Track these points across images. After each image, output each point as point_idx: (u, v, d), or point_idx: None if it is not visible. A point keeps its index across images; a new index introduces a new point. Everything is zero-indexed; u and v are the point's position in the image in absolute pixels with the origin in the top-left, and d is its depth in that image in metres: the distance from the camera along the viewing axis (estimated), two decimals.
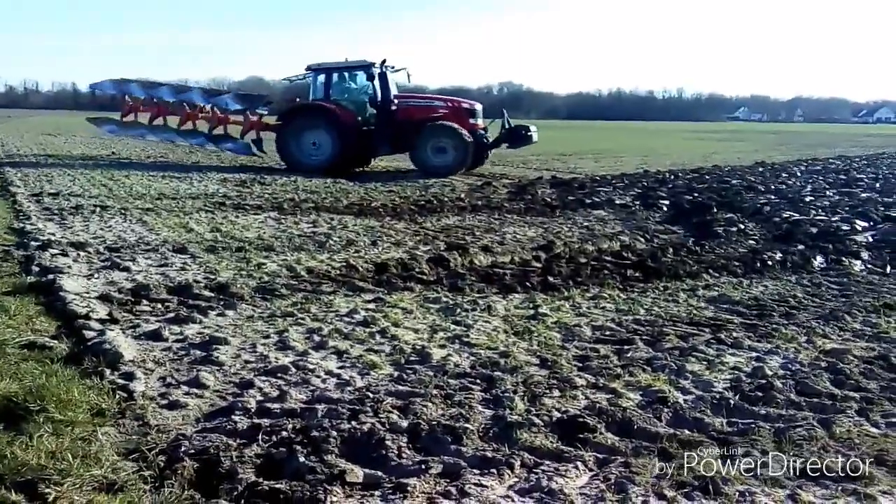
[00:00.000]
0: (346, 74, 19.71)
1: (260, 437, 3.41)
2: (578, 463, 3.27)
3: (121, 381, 4.08)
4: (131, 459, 3.22)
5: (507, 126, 19.94)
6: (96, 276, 6.62)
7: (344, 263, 7.36)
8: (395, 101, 19.25)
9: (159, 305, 5.69)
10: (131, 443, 3.39)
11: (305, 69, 19.77)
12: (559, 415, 3.77)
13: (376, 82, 18.92)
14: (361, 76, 19.54)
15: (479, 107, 19.92)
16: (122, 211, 10.52)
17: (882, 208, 12.08)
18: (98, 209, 10.57)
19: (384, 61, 18.99)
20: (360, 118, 19.01)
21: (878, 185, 16.33)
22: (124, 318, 5.31)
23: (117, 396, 3.87)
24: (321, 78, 19.34)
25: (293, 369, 4.40)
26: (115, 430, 3.51)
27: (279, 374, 4.31)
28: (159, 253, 7.68)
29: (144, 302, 5.75)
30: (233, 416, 3.67)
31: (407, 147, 19.00)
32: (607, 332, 5.41)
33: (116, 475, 3.06)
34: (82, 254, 7.45)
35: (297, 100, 20.40)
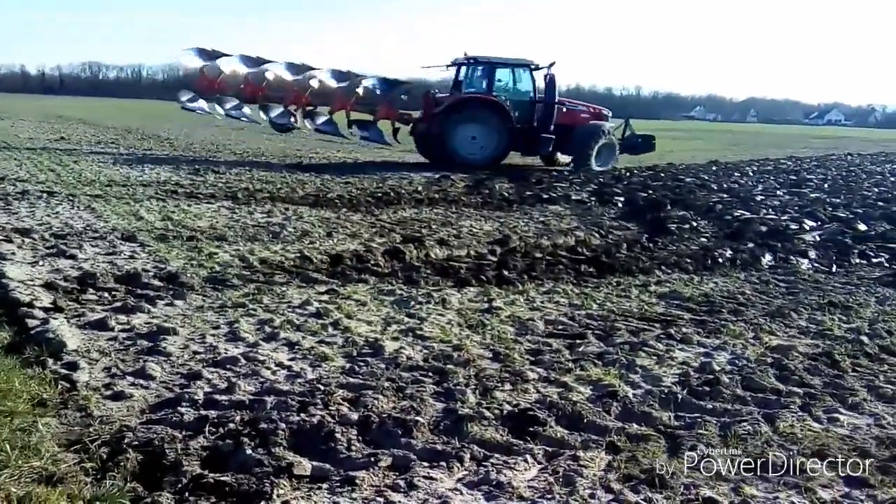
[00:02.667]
0: (507, 70, 19.39)
1: (206, 429, 3.36)
2: (528, 456, 3.28)
3: (64, 371, 3.99)
4: (73, 451, 3.15)
5: (628, 132, 20.63)
6: (41, 263, 6.45)
7: (298, 254, 7.29)
8: (564, 103, 19.52)
9: (106, 294, 5.56)
10: (73, 434, 3.31)
11: (467, 57, 19.35)
12: (510, 408, 3.79)
13: (539, 83, 19.04)
14: (522, 73, 19.39)
15: (609, 113, 20.70)
16: (70, 197, 10.27)
17: (830, 208, 12.36)
18: (45, 195, 10.31)
19: (553, 63, 18.83)
20: (516, 115, 18.79)
21: (826, 185, 16.70)
22: (69, 307, 5.19)
23: (60, 386, 3.79)
24: (479, 71, 19.12)
25: (243, 361, 4.34)
26: (56, 421, 3.43)
27: (228, 366, 4.25)
28: (107, 241, 7.51)
29: (90, 290, 5.62)
30: (179, 408, 3.60)
31: (564, 148, 19.50)
32: (560, 327, 5.45)
33: (56, 467, 2.99)
34: (27, 240, 7.26)
35: (435, 93, 19.90)
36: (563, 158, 20.50)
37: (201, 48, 19.42)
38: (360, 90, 19.28)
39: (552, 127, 18.94)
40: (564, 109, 19.39)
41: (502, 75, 19.31)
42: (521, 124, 18.85)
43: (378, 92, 19.57)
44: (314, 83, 19.00)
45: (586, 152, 19.06)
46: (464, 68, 19.70)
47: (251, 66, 19.11)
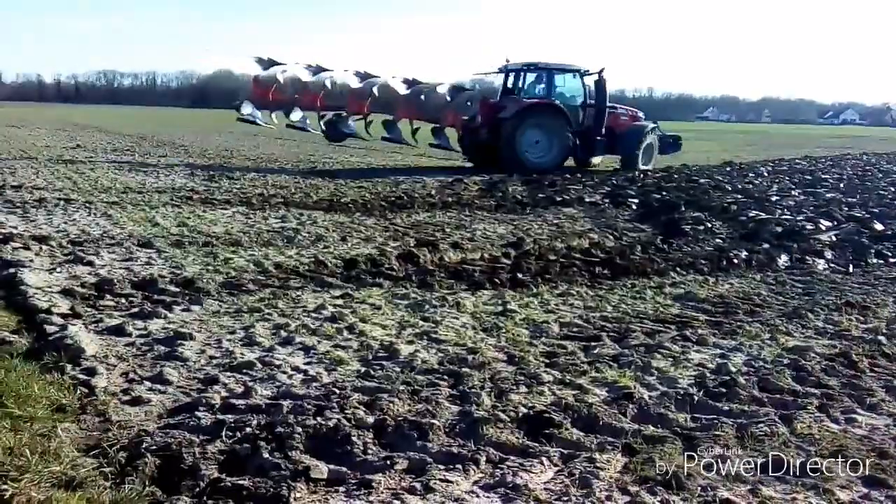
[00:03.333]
0: (562, 76, 19.91)
1: (224, 433, 3.38)
2: (544, 458, 3.28)
3: (82, 377, 4.02)
4: (91, 456, 3.17)
5: (658, 133, 21.17)
6: (59, 270, 6.51)
7: (312, 259, 7.32)
8: (616, 107, 20.28)
9: (123, 300, 5.61)
10: (92, 439, 3.34)
11: (525, 64, 19.91)
12: (525, 410, 3.78)
13: (590, 87, 19.57)
14: (574, 79, 19.89)
15: (643, 115, 21.80)
16: (87, 204, 10.36)
17: (846, 208, 12.26)
18: (62, 202, 10.41)
19: (603, 69, 19.37)
20: (573, 120, 19.38)
21: (842, 185, 16.56)
22: (87, 313, 5.23)
23: (78, 392, 3.82)
24: (536, 77, 19.77)
25: (259, 365, 4.36)
26: (75, 426, 3.46)
27: (245, 370, 4.27)
28: (124, 247, 7.57)
29: (108, 296, 5.66)
30: (196, 413, 3.62)
31: (614, 150, 20.21)
32: (575, 329, 5.44)
33: (76, 471, 3.01)
34: (45, 247, 7.33)
35: (483, 97, 20.22)
36: (595, 160, 20.72)
37: (258, 56, 18.94)
38: (422, 97, 19.57)
39: (603, 130, 19.48)
40: (615, 113, 20.04)
41: (558, 80, 19.76)
42: (576, 128, 19.32)
43: (448, 99, 19.85)
44: (375, 90, 19.02)
45: (634, 153, 19.88)
46: (512, 74, 20.11)
47: (311, 73, 18.88)
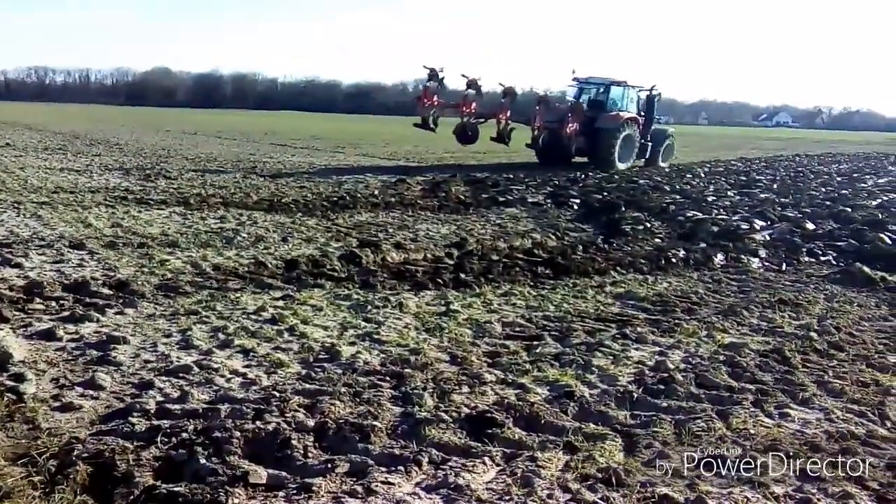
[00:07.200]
0: (633, 91, 22.62)
1: (159, 439, 3.29)
2: (486, 458, 3.28)
3: (10, 383, 3.89)
4: (20, 465, 3.07)
5: None
6: None
7: (252, 260, 7.20)
8: (660, 118, 23.30)
9: (53, 303, 5.43)
10: (20, 447, 3.23)
11: (612, 80, 22.28)
12: (468, 411, 3.79)
13: (643, 103, 22.68)
14: (637, 93, 22.71)
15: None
16: (16, 205, 10.02)
17: (779, 208, 12.64)
18: None
19: (654, 86, 22.95)
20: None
21: (775, 186, 17.06)
22: (15, 317, 5.06)
23: (6, 399, 3.69)
24: (617, 91, 22.15)
25: (196, 369, 4.27)
26: (2, 435, 3.34)
27: (181, 374, 4.18)
28: (55, 249, 7.33)
29: (37, 300, 5.48)
30: (130, 418, 3.53)
31: (647, 154, 22.92)
32: (517, 329, 5.47)
33: (3, 481, 2.91)
34: None
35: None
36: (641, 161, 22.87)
37: (429, 67, 19.65)
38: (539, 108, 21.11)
39: (649, 136, 22.81)
40: (659, 121, 23.44)
41: (630, 95, 22.53)
42: None
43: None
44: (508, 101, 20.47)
45: (656, 152, 22.98)
46: (594, 87, 22.64)
47: (468, 84, 19.82)
